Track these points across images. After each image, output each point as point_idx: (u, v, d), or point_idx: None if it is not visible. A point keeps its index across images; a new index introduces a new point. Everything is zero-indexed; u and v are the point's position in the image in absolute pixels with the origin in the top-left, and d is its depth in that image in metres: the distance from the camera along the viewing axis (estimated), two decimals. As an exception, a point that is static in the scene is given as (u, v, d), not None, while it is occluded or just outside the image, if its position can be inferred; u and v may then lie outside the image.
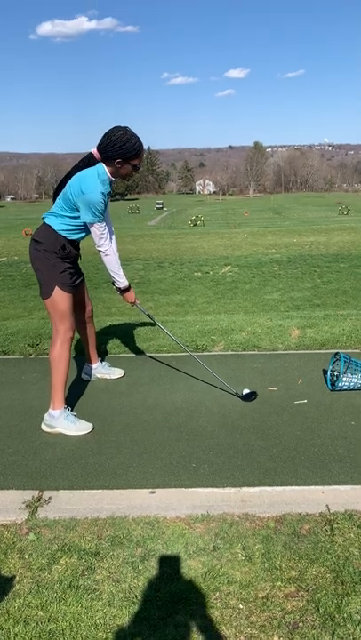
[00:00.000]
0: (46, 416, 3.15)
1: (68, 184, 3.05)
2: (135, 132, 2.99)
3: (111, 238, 3.20)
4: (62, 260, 3.14)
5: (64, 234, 3.11)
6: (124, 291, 3.38)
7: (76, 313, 3.50)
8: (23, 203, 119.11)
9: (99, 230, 3.06)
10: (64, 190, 3.06)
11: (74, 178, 3.02)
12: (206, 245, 16.02)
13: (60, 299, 3.11)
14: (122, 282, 3.33)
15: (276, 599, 1.86)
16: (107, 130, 2.98)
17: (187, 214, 46.40)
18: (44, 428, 3.14)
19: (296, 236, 17.94)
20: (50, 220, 3.12)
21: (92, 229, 3.06)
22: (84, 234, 3.19)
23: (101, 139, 2.98)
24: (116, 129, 2.96)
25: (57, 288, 3.09)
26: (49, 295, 3.11)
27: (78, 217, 3.05)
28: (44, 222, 3.15)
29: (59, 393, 3.15)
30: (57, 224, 3.10)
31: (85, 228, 3.14)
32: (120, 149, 2.93)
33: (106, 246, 3.12)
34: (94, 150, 3.02)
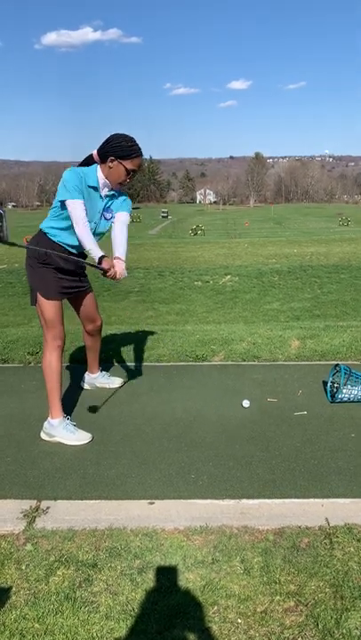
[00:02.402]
0: (46, 424, 3.14)
1: None
2: (139, 142, 3.03)
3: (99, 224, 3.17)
4: (46, 267, 3.10)
5: (51, 232, 3.10)
6: (99, 262, 3.09)
7: (84, 324, 3.51)
8: (25, 210, 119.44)
9: (70, 207, 2.94)
10: None
11: None
12: (207, 255, 16.07)
13: (45, 306, 3.09)
14: (95, 253, 3.06)
15: (275, 614, 1.84)
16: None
17: (187, 223, 46.53)
18: (43, 436, 3.13)
19: (296, 247, 17.99)
20: (42, 224, 3.16)
21: (68, 209, 2.96)
22: (72, 236, 3.09)
23: None
24: (120, 133, 3.02)
25: (39, 295, 3.09)
26: (34, 302, 3.13)
27: (62, 212, 3.02)
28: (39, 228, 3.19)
29: (54, 401, 3.13)
30: (45, 222, 3.13)
31: (72, 228, 3.03)
32: (115, 147, 2.96)
33: (79, 227, 2.97)
34: (95, 152, 3.05)
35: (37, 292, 3.09)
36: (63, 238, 3.12)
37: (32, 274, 3.13)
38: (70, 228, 3.06)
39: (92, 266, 3.06)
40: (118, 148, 2.96)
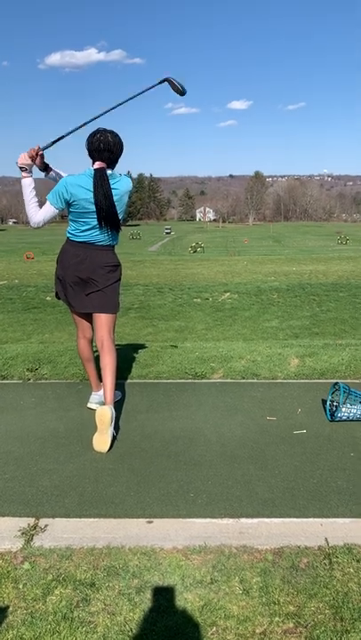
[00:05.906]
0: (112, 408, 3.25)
1: None
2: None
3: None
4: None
5: (68, 230, 3.38)
6: (22, 167, 3.37)
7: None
8: (25, 227, 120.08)
9: (46, 207, 3.26)
10: None
11: None
12: (206, 272, 16.15)
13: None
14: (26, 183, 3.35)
15: (274, 635, 1.82)
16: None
17: (187, 241, 46.80)
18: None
19: (295, 265, 18.09)
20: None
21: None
22: (83, 233, 3.31)
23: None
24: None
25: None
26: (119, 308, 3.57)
27: (70, 213, 3.32)
28: None
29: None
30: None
31: (80, 228, 3.31)
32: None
33: (35, 217, 3.27)
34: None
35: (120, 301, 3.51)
36: (69, 231, 3.38)
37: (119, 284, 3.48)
38: (76, 228, 3.33)
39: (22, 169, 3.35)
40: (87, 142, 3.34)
